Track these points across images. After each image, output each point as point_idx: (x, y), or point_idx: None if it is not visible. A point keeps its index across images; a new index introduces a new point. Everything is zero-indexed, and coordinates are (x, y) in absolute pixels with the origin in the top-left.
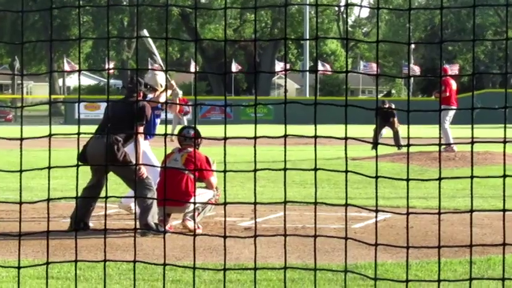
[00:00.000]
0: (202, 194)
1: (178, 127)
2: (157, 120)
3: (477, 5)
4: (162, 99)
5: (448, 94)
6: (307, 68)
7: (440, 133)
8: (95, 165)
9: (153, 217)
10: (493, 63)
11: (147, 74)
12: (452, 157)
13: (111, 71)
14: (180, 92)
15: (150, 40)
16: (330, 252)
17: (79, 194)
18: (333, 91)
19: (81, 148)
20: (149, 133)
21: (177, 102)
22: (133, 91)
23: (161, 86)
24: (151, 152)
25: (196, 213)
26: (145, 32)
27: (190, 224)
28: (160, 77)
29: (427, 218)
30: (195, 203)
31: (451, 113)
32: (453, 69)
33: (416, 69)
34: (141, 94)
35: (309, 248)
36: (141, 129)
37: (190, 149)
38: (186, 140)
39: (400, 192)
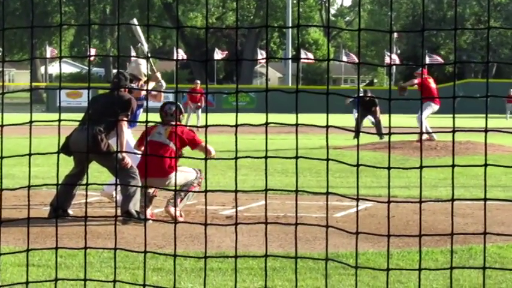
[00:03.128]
0: (185, 173)
1: (193, 117)
2: (140, 110)
3: None
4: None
5: (416, 85)
6: (290, 57)
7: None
8: (78, 153)
9: (135, 205)
10: (475, 52)
11: (131, 64)
12: (434, 146)
13: (94, 59)
14: (164, 84)
15: (139, 29)
16: (311, 241)
17: (60, 181)
18: (316, 80)
19: (63, 140)
20: (132, 122)
21: (190, 91)
22: (119, 86)
23: (144, 75)
24: (133, 141)
25: (178, 200)
26: (134, 21)
27: (173, 210)
28: (144, 67)
29: (408, 207)
30: (175, 190)
31: (433, 110)
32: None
33: (396, 59)
34: (127, 90)
35: (290, 237)
36: (124, 119)
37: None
38: (167, 116)
39: (382, 181)
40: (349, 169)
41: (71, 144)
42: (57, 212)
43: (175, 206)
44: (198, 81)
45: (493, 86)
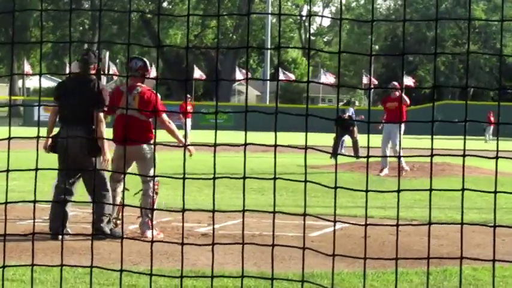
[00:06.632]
0: (151, 167)
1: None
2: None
3: (439, 19)
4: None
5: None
6: (268, 76)
7: (399, 145)
8: (72, 156)
9: (108, 222)
10: (453, 74)
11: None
12: (410, 167)
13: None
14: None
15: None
16: (286, 260)
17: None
18: (294, 98)
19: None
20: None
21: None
22: (89, 66)
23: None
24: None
25: (148, 221)
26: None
27: (149, 234)
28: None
29: (384, 227)
30: (141, 207)
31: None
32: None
33: (373, 80)
34: (95, 67)
35: (266, 256)
36: (101, 115)
37: (140, 88)
38: (132, 71)
39: (358, 202)
40: (325, 189)
41: (59, 145)
42: (62, 231)
43: (144, 225)
44: (189, 96)
45: (471, 108)
